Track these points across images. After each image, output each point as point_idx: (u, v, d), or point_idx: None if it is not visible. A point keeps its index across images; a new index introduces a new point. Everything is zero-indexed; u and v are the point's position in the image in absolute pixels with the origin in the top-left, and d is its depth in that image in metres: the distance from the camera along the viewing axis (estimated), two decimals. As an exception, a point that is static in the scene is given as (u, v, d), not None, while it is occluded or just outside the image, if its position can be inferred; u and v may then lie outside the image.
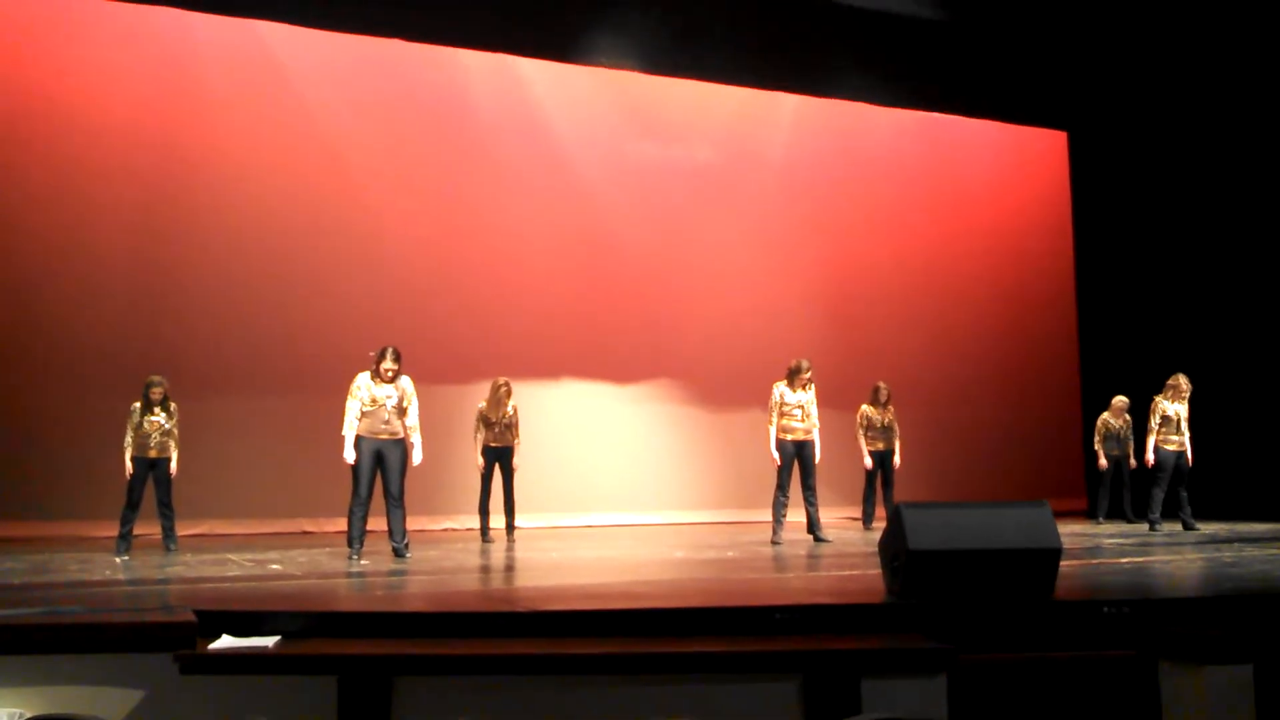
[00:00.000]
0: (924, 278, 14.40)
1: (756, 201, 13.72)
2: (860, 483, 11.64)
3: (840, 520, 12.43)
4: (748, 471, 12.65)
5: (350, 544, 8.02)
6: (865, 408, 11.46)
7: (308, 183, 11.79)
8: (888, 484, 11.30)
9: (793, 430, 9.50)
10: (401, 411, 8.12)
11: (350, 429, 7.98)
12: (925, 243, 14.48)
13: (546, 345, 12.61)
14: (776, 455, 9.46)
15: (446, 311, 12.22)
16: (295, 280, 11.67)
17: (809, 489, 9.55)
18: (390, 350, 8.05)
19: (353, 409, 8.01)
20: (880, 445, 11.35)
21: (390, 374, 8.04)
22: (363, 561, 7.80)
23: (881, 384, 11.53)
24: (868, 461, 11.31)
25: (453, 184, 12.46)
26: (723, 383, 13.20)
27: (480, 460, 10.14)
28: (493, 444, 10.15)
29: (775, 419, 9.52)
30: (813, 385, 9.64)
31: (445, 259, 12.28)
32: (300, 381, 11.47)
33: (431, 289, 12.18)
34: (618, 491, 12.74)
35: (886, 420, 11.38)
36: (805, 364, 9.52)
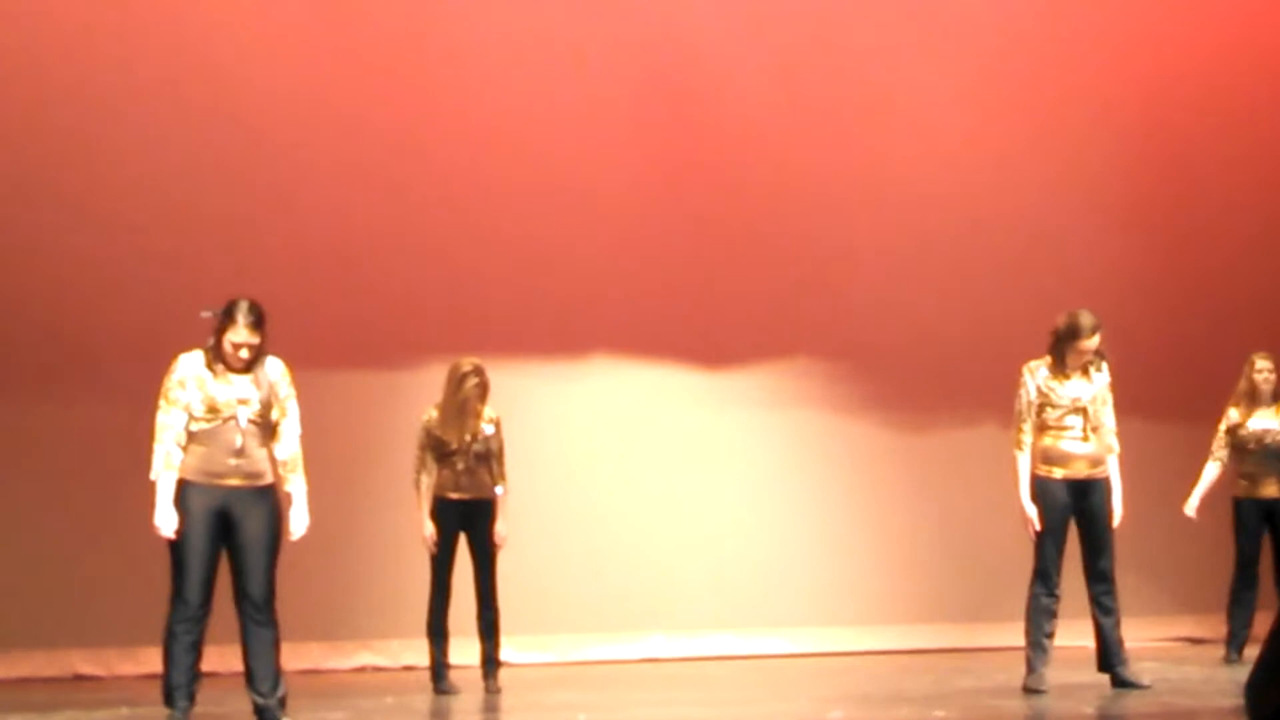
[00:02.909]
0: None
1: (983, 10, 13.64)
2: (1223, 569, 11.55)
3: (1171, 643, 12.33)
4: (969, 547, 12.63)
5: (169, 697, 8.04)
6: (1231, 410, 11.49)
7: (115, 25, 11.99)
8: None
9: (1066, 459, 9.44)
10: (269, 429, 8.15)
11: (166, 470, 8.02)
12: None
13: (563, 296, 12.63)
14: (1032, 510, 9.43)
15: (365, 236, 12.29)
16: (72, 195, 11.79)
17: (1101, 578, 9.47)
18: (244, 308, 8.06)
19: (171, 426, 8.03)
20: (1271, 489, 11.40)
21: (246, 355, 8.06)
22: (196, 733, 7.86)
23: (1264, 361, 11.47)
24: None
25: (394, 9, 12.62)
26: (916, 369, 13.11)
27: (429, 527, 10.18)
28: (453, 494, 10.17)
29: (1028, 435, 9.48)
30: (1105, 365, 9.54)
31: (369, 141, 12.35)
32: (66, 375, 11.56)
33: (340, 198, 12.25)
34: (706, 591, 12.73)
35: (1274, 434, 11.42)
36: (1088, 321, 9.40)
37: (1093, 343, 9.42)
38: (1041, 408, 9.44)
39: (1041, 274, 12.87)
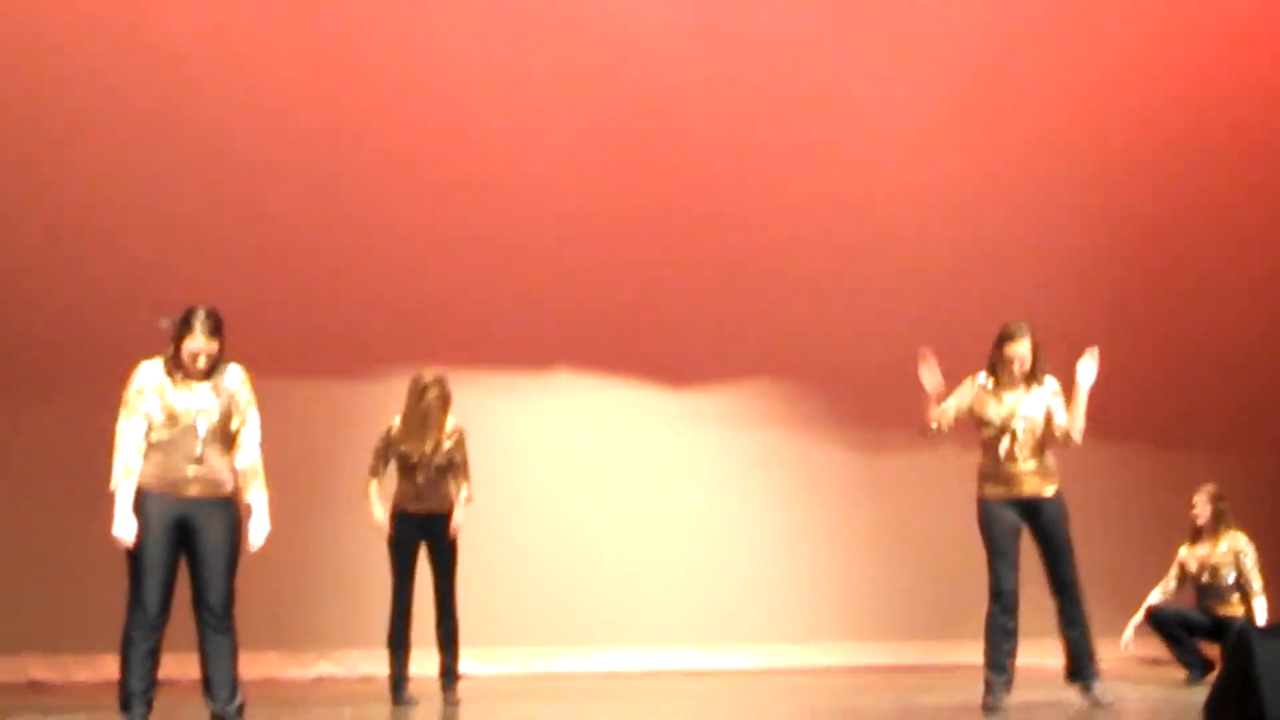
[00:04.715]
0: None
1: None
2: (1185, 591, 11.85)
3: (1131, 663, 12.35)
4: (930, 565, 12.72)
5: (126, 704, 7.98)
6: (1182, 548, 11.92)
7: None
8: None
9: (1005, 479, 9.32)
10: (229, 438, 8.13)
11: (125, 479, 7.96)
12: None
13: (528, 310, 12.69)
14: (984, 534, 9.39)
15: (330, 245, 12.37)
16: (36, 200, 11.86)
17: (1063, 590, 9.39)
18: (201, 316, 8.00)
19: (130, 434, 7.96)
20: (1230, 609, 11.73)
21: (204, 364, 8.01)
22: (151, 743, 7.81)
23: (1198, 495, 11.76)
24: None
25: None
26: (878, 389, 12.99)
27: (380, 512, 10.18)
28: (413, 507, 10.14)
29: (941, 415, 9.40)
30: (1047, 377, 9.37)
31: (338, 152, 12.43)
32: (27, 380, 11.59)
33: (308, 208, 12.35)
34: (667, 606, 12.79)
35: (1222, 565, 11.72)
36: (1015, 326, 9.29)
37: (1019, 348, 9.23)
38: (982, 420, 9.38)
39: (1006, 296, 12.90)
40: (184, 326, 7.96)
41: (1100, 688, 9.45)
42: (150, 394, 7.97)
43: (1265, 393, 13.69)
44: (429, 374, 10.13)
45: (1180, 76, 14.05)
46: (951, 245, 13.42)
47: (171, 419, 7.95)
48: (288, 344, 11.47)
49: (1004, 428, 9.28)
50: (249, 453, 8.12)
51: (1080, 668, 9.45)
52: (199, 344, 7.95)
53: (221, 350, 8.05)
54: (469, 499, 10.17)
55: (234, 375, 8.12)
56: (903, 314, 13.21)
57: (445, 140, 12.65)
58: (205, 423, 7.98)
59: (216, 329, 7.99)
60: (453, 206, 12.59)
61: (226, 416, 8.05)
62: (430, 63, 12.72)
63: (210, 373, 8.04)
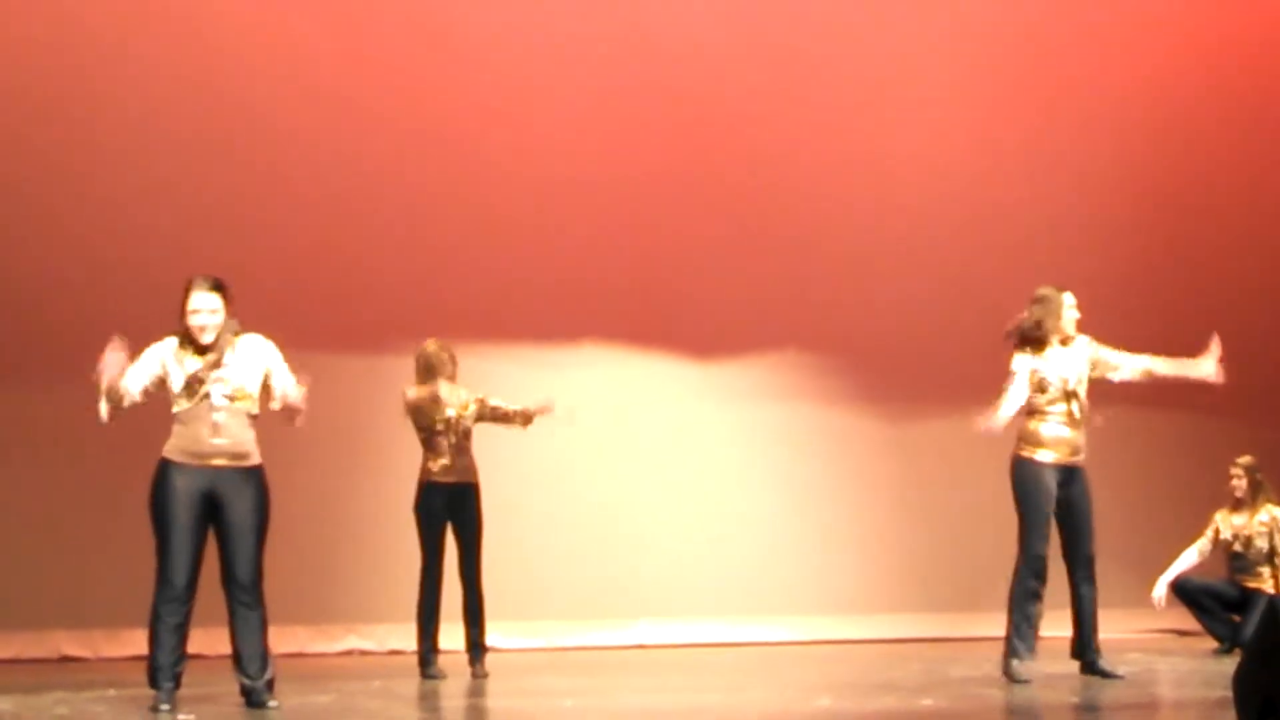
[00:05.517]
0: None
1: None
2: (1214, 563, 11.82)
3: (1158, 634, 12.33)
4: (957, 537, 12.68)
5: (154, 679, 8.02)
6: (1218, 515, 11.87)
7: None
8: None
9: (1057, 441, 9.24)
10: (250, 408, 8.06)
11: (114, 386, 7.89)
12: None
13: (555, 283, 12.70)
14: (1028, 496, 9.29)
15: (356, 220, 12.38)
16: (60, 175, 11.83)
17: (1082, 564, 9.31)
18: (202, 285, 7.96)
19: (132, 375, 7.98)
20: (1257, 580, 11.70)
21: (209, 319, 7.93)
22: (181, 717, 7.84)
23: (1234, 468, 11.71)
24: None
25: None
26: (906, 361, 13.17)
27: (413, 511, 10.17)
28: (441, 478, 10.12)
29: (1023, 420, 9.32)
30: (1092, 343, 9.36)
31: (363, 125, 12.43)
32: (53, 359, 11.46)
33: (331, 181, 12.33)
34: (694, 578, 12.78)
35: (1256, 536, 11.69)
36: (1060, 297, 9.25)
37: (1066, 313, 9.32)
38: (1037, 389, 9.24)
39: (1031, 267, 12.85)
40: (184, 293, 7.96)
41: (1105, 662, 9.38)
42: (170, 366, 7.99)
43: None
44: (430, 344, 10.19)
45: (1201, 39, 14.01)
46: (975, 216, 13.39)
47: (189, 389, 7.96)
48: (313, 318, 11.47)
49: (1069, 393, 9.23)
50: (285, 389, 8.07)
51: (1086, 645, 9.38)
52: (199, 302, 7.90)
53: (229, 309, 8.00)
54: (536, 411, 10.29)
55: (252, 342, 8.09)
56: (928, 285, 13.21)
57: (471, 114, 12.65)
58: (220, 390, 7.95)
59: (216, 286, 7.98)
60: (480, 179, 12.58)
61: (245, 384, 8.04)
62: (452, 34, 12.69)
63: (222, 343, 7.99)
